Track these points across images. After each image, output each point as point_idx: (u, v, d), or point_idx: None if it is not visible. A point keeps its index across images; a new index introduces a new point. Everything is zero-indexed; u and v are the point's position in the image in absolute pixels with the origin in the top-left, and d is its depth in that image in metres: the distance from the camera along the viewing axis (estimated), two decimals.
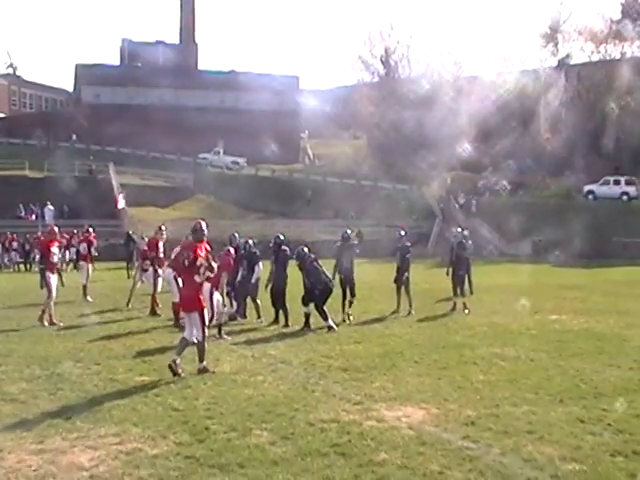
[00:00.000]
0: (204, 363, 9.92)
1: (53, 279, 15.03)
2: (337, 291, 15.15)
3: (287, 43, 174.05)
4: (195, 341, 9.88)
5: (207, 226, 10.39)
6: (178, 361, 9.74)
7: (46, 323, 14.71)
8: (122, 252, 33.22)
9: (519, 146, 53.14)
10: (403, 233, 17.95)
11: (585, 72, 57.72)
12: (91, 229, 22.60)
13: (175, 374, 9.57)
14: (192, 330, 9.87)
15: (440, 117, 53.59)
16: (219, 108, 69.05)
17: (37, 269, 15.81)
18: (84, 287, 19.82)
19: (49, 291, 14.84)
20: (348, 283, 15.72)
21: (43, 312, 14.87)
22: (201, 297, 10.02)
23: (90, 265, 20.45)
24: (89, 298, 19.54)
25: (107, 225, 40.82)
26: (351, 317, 15.41)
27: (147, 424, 7.42)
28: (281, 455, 6.49)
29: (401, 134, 56.88)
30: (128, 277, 28.47)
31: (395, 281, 17.17)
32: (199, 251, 9.95)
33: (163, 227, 17.84)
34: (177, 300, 14.38)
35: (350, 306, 15.61)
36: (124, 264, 31.21)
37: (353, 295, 15.76)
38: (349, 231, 16.86)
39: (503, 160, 53.66)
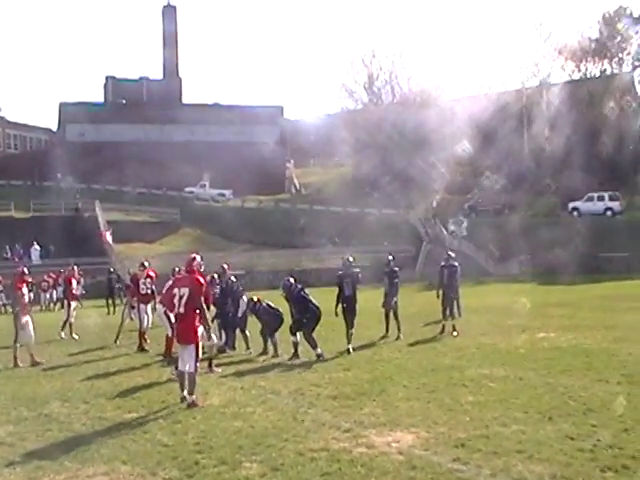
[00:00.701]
0: (194, 397, 9.94)
1: (25, 320, 14.99)
2: (339, 319, 15.02)
3: (271, 73, 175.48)
4: (187, 371, 9.96)
5: (202, 259, 10.63)
6: (186, 394, 9.98)
7: (20, 364, 14.65)
8: (115, 289, 33.23)
9: (504, 167, 53.55)
10: (391, 258, 17.98)
11: (568, 90, 58.34)
12: (75, 267, 22.60)
13: (196, 406, 9.79)
14: (186, 361, 10.01)
15: (425, 141, 54.02)
16: (204, 141, 69.23)
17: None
18: (64, 324, 19.83)
19: (18, 333, 14.82)
20: (349, 313, 14.92)
21: (31, 355, 14.86)
22: (198, 330, 10.15)
23: (73, 303, 20.39)
24: (74, 335, 19.59)
25: (94, 263, 40.70)
26: (350, 350, 14.61)
27: (136, 461, 7.37)
28: None
29: (386, 159, 57.25)
30: (108, 313, 28.57)
31: (383, 306, 17.19)
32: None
33: (146, 263, 17.86)
34: (170, 335, 14.40)
35: (349, 338, 14.84)
36: (110, 301, 31.22)
37: (352, 326, 14.91)
38: (350, 258, 16.06)
39: (489, 181, 54.06)
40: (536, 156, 55.10)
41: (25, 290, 15.39)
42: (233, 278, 16.04)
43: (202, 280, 10.49)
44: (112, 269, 34.95)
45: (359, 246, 43.44)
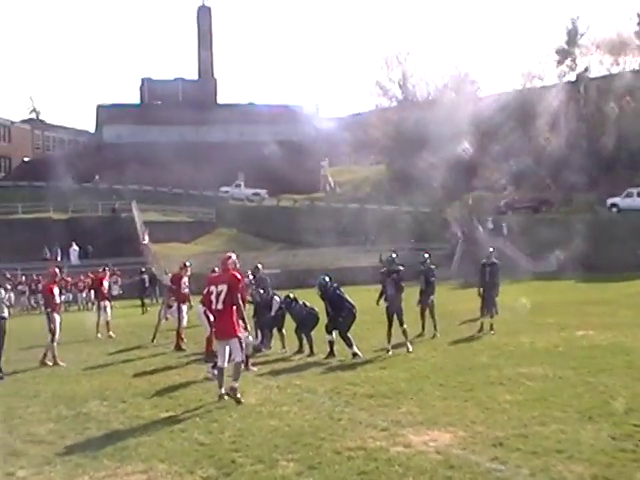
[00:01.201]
0: (237, 384, 10.06)
1: (57, 320, 15.27)
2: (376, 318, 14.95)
3: (305, 72, 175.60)
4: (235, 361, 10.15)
5: (237, 257, 10.89)
6: (223, 391, 10.12)
7: (50, 363, 14.90)
8: (148, 289, 33.83)
9: (541, 163, 53.01)
10: (427, 256, 17.86)
11: (604, 85, 57.58)
12: (107, 268, 23.18)
13: (238, 402, 9.94)
14: (225, 357, 10.17)
15: (460, 138, 53.65)
16: (239, 141, 69.52)
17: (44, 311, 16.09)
18: (97, 324, 20.26)
19: (52, 333, 15.05)
20: (395, 311, 14.70)
21: (45, 355, 15.08)
22: (238, 324, 10.27)
23: (105, 303, 20.73)
24: (112, 334, 19.89)
25: (132, 263, 41.14)
26: (390, 351, 14.49)
27: (174, 460, 7.40)
28: None
29: (421, 157, 56.89)
30: (142, 313, 28.93)
31: (419, 304, 17.09)
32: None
33: (188, 263, 18.03)
34: (209, 334, 14.51)
35: (405, 335, 14.65)
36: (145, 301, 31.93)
37: (401, 323, 14.66)
38: (393, 255, 15.88)
39: (524, 178, 53.59)
40: (573, 152, 54.37)
41: (56, 291, 15.63)
42: (261, 291, 15.87)
43: (239, 276, 10.58)
44: (143, 269, 35.41)
45: (395, 244, 43.29)
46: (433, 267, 17.66)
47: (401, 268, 15.15)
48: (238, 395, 10.01)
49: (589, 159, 50.78)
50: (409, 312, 17.01)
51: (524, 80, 64.34)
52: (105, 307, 20.66)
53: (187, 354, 15.70)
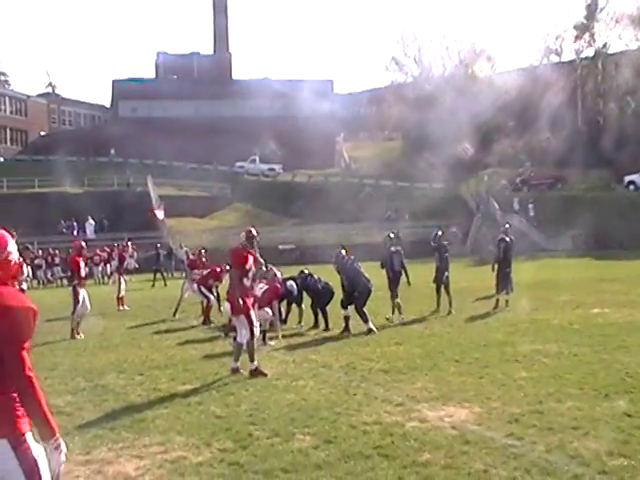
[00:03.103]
0: (255, 363, 10.11)
1: (81, 293, 15.32)
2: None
3: (320, 47, 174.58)
4: (244, 343, 10.14)
5: (258, 233, 10.78)
6: (236, 365, 10.22)
7: (78, 336, 15.02)
8: (162, 263, 34.11)
9: (558, 139, 52.55)
10: (441, 233, 17.81)
11: (623, 60, 56.87)
12: (129, 242, 23.37)
13: (260, 373, 10.06)
14: (242, 332, 10.19)
15: (477, 114, 53.21)
16: (254, 116, 69.32)
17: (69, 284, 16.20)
18: (117, 298, 20.36)
19: (76, 305, 15.13)
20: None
21: (73, 329, 15.19)
22: (248, 301, 10.21)
23: (122, 277, 20.91)
24: (126, 307, 20.31)
25: (147, 237, 41.25)
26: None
27: (191, 432, 7.45)
28: (324, 459, 6.45)
29: (436, 133, 56.51)
30: (152, 286, 29.44)
31: (434, 281, 17.08)
32: (249, 256, 10.34)
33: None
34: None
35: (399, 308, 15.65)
36: (164, 274, 32.25)
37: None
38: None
39: (541, 155, 53.18)
40: (590, 129, 53.88)
41: (82, 264, 15.69)
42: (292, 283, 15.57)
43: (237, 254, 10.41)
44: (159, 244, 35.69)
45: (410, 221, 43.21)
46: (446, 243, 17.64)
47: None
48: (261, 371, 10.10)
49: (605, 136, 50.41)
50: (425, 289, 17.09)
51: (541, 56, 63.80)
52: (122, 281, 20.84)
53: (204, 329, 15.80)
